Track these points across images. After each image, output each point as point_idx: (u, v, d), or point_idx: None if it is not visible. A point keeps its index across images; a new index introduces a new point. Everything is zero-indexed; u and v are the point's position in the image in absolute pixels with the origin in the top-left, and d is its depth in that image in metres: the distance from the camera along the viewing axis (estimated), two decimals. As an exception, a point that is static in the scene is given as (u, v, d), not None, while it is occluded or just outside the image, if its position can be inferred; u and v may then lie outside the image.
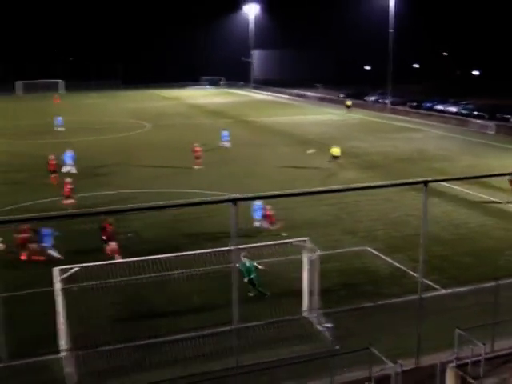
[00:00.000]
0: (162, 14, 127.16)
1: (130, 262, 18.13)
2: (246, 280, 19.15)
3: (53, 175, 35.64)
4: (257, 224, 26.13)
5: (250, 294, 19.41)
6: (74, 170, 38.03)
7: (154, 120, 67.49)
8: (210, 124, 64.14)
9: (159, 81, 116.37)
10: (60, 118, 60.02)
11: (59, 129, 58.60)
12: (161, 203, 29.12)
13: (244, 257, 19.12)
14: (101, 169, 40.05)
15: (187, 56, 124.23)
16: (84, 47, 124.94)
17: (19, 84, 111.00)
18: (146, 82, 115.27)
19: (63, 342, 16.07)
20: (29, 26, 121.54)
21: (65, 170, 37.58)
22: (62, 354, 15.91)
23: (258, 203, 25.89)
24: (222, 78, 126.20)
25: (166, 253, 19.26)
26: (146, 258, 17.93)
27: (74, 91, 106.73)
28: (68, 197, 30.47)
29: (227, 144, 47.53)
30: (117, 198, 31.96)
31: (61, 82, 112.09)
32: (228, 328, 14.85)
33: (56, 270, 16.46)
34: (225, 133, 48.20)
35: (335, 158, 40.66)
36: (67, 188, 30.63)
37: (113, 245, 23.12)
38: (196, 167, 40.02)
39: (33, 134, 57.84)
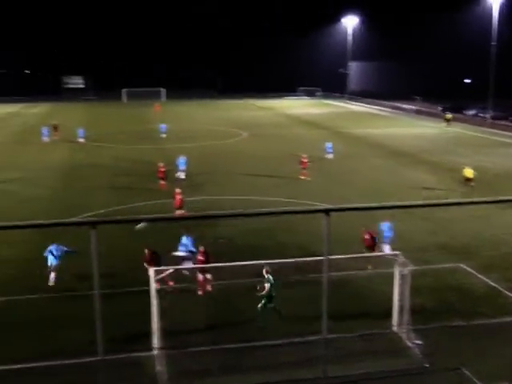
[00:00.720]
0: (260, 25, 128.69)
1: (222, 266, 18.41)
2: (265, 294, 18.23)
3: (161, 181, 36.31)
4: (383, 247, 23.58)
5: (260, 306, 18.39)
6: (182, 176, 38.88)
7: (250, 129, 68.31)
8: (305, 134, 64.19)
9: (256, 91, 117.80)
10: (164, 125, 61.83)
11: (162, 135, 60.36)
12: (253, 210, 29.39)
13: (266, 272, 18.37)
14: (200, 175, 40.78)
15: (284, 67, 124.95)
16: (185, 57, 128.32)
17: (125, 92, 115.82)
18: (243, 92, 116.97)
19: (156, 340, 16.50)
20: (137, 38, 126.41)
21: (178, 175, 38.64)
22: (155, 352, 16.34)
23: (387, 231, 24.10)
24: (319, 88, 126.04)
25: (257, 260, 19.45)
26: (237, 263, 18.14)
27: (175, 99, 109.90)
28: (179, 208, 29.30)
29: (330, 156, 47.28)
30: (215, 205, 32.37)
31: (162, 90, 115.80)
32: (317, 338, 14.74)
33: (152, 271, 16.95)
34: (328, 145, 47.92)
35: (468, 180, 36.87)
36: (178, 198, 29.81)
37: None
38: (303, 177, 39.83)
39: (136, 139, 60.02)
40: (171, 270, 17.62)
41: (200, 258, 20.67)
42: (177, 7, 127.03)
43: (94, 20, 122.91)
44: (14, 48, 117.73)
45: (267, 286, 18.02)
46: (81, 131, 57.73)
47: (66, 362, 16.14)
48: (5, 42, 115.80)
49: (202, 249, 20.79)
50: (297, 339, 16.71)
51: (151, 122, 70.51)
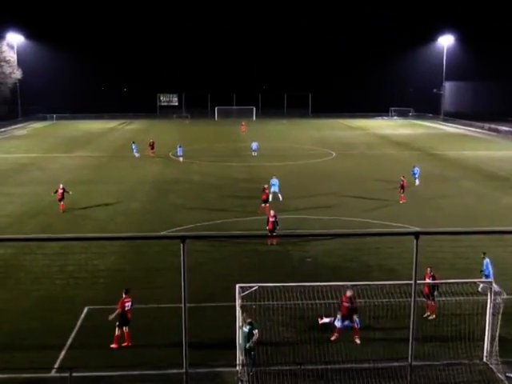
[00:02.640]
0: (351, 47, 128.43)
1: (305, 286, 18.32)
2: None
3: (263, 204, 34.82)
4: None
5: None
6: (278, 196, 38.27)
7: (340, 148, 67.97)
8: (396, 155, 63.14)
9: (347, 110, 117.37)
10: (255, 144, 62.13)
11: (253, 153, 60.87)
12: (342, 231, 29.19)
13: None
14: (289, 194, 40.83)
15: (376, 87, 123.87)
16: (278, 76, 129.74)
17: (217, 110, 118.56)
18: (334, 112, 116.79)
19: (239, 356, 16.61)
20: (231, 58, 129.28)
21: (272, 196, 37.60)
22: (238, 368, 16.44)
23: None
24: (411, 109, 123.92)
25: (341, 280, 19.23)
26: (321, 283, 18.00)
27: (266, 118, 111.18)
28: (271, 230, 28.32)
29: (417, 181, 44.57)
30: (303, 224, 32.30)
31: (254, 108, 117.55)
32: (402, 364, 14.38)
33: (238, 287, 17.11)
34: (415, 169, 44.92)
35: None
36: (270, 221, 28.72)
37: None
38: (402, 201, 38.50)
39: (226, 156, 61.08)
40: (256, 287, 17.71)
41: None
42: (271, 28, 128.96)
43: (190, 40, 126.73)
44: (114, 67, 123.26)
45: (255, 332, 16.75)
46: (179, 149, 58.76)
47: (153, 372, 16.50)
48: (106, 61, 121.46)
49: None
50: (381, 364, 16.34)
51: (242, 140, 71.59)
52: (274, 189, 38.41)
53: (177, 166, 54.89)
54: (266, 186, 36.52)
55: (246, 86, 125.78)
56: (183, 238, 14.72)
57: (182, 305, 14.76)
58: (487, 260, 22.43)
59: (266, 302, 20.00)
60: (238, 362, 16.44)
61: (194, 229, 31.11)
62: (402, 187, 38.74)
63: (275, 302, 19.89)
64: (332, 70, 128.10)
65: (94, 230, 31.10)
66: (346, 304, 18.35)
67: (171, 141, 74.01)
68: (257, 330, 16.61)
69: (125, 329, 18.43)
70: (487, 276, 21.47)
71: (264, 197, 35.15)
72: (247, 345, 16.47)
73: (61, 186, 36.16)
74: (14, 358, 17.38)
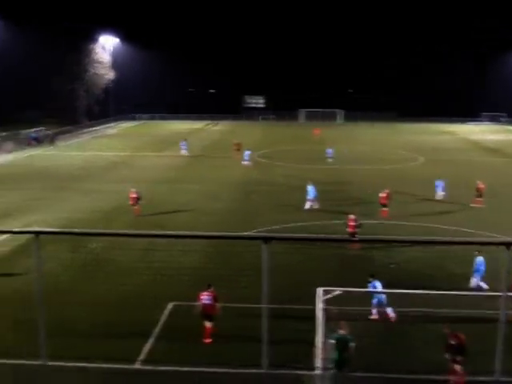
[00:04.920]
0: (443, 50, 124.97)
1: (386, 292, 18.05)
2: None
3: (382, 209, 34.78)
4: None
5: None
6: (308, 206, 37.26)
7: (428, 153, 66.31)
8: (486, 161, 61.01)
9: (436, 115, 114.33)
10: (330, 150, 60.15)
11: (329, 160, 58.97)
12: (428, 238, 28.51)
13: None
14: (371, 198, 40.38)
15: (467, 91, 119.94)
16: (364, 79, 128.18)
17: (301, 112, 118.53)
18: (423, 116, 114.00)
19: (318, 360, 16.55)
20: (316, 60, 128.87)
21: (310, 204, 37.23)
22: (317, 371, 16.38)
23: None
24: (504, 114, 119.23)
25: (424, 289, 18.80)
26: (404, 291, 17.67)
27: (352, 121, 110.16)
28: (352, 234, 28.36)
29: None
30: (387, 229, 31.80)
31: (339, 111, 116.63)
32: (488, 379, 13.90)
33: (320, 290, 17.06)
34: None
35: None
36: (350, 224, 28.86)
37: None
38: (475, 205, 37.88)
39: (309, 159, 60.90)
40: (339, 292, 17.62)
41: None
42: (359, 30, 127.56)
43: (276, 41, 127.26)
44: (202, 69, 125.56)
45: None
46: (247, 153, 59.09)
47: (232, 370, 16.71)
48: (194, 62, 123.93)
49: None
50: (467, 378, 15.83)
51: (325, 142, 71.21)
52: (311, 195, 37.55)
53: (261, 168, 55.33)
54: (386, 191, 35.57)
55: (331, 89, 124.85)
56: (266, 239, 14.87)
57: (263, 305, 14.90)
58: (480, 258, 21.70)
59: (350, 308, 19.82)
60: (317, 365, 16.37)
61: (277, 230, 31.27)
62: (479, 191, 37.94)
63: (359, 308, 19.70)
64: (422, 73, 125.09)
65: (178, 228, 31.83)
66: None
67: (256, 142, 74.69)
68: (353, 344, 15.91)
69: (206, 323, 18.73)
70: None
71: (382, 201, 34.86)
72: (338, 356, 15.84)
73: (133, 190, 36.22)
74: (101, 348, 18.05)
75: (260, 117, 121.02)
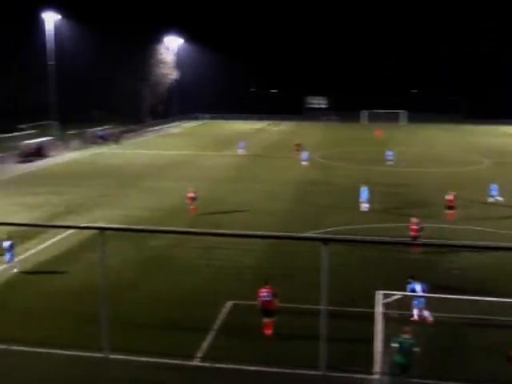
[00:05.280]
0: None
1: (452, 298, 17.67)
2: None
3: (449, 211, 34.06)
4: None
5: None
6: (365, 208, 36.85)
7: (495, 156, 64.38)
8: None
9: (505, 117, 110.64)
10: (390, 153, 58.92)
11: (389, 162, 57.87)
12: (490, 244, 27.75)
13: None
14: (431, 201, 39.57)
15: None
16: (428, 81, 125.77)
17: (364, 113, 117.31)
18: (492, 118, 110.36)
19: (378, 364, 16.35)
20: (380, 61, 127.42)
21: (364, 207, 36.86)
22: (376, 376, 16.19)
23: None
24: None
25: (488, 296, 18.30)
26: (468, 297, 17.26)
27: (416, 122, 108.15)
28: (414, 238, 28.06)
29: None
30: (449, 233, 31.19)
31: (402, 112, 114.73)
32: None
33: (379, 294, 16.86)
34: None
35: None
36: (413, 228, 28.37)
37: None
38: None
39: (370, 160, 60.11)
40: (399, 296, 17.36)
41: None
42: (423, 29, 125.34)
43: (339, 42, 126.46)
44: (264, 69, 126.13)
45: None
46: (304, 154, 58.82)
47: (289, 371, 16.71)
48: (256, 62, 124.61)
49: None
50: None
51: (387, 144, 70.21)
52: (364, 197, 37.11)
53: (322, 169, 55.07)
54: (452, 193, 34.74)
55: (395, 90, 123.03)
56: (325, 241, 14.81)
57: (322, 307, 14.84)
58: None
59: (409, 312, 19.52)
60: (376, 370, 16.18)
61: (336, 232, 31.06)
62: None
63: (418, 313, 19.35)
64: (490, 72, 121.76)
65: (236, 227, 32.00)
66: None
67: (317, 143, 74.43)
68: (417, 349, 15.79)
69: (265, 319, 18.92)
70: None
71: (449, 203, 34.02)
72: (402, 360, 15.82)
73: (190, 190, 36.73)
74: (160, 344, 18.38)
75: (324, 117, 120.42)
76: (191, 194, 36.33)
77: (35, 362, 17.19)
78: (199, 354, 17.86)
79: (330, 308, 15.97)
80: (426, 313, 19.71)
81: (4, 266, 25.46)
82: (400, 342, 15.84)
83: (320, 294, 15.12)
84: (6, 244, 25.10)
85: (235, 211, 37.05)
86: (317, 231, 31.13)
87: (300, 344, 18.33)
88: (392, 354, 15.93)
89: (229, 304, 21.54)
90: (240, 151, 65.37)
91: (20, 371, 16.60)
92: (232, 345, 18.52)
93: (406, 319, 18.72)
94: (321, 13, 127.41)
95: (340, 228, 32.07)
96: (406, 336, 15.92)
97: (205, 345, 18.44)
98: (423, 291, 19.92)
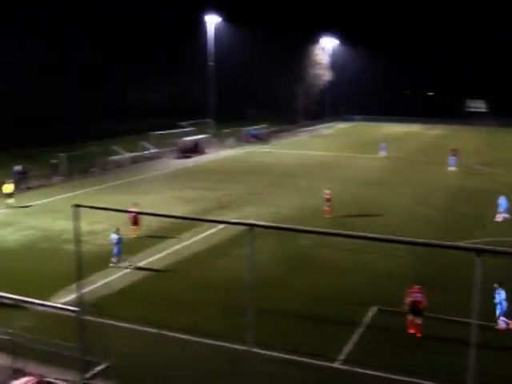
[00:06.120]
0: None
1: None
2: None
3: None
4: None
5: None
6: (500, 218, 34.44)
7: None
8: None
9: None
10: None
11: None
12: None
13: None
14: None
15: None
16: None
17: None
18: None
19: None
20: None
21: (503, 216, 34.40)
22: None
23: None
24: None
25: None
26: None
27: None
28: None
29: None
30: None
31: None
32: None
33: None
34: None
35: None
36: None
37: None
38: None
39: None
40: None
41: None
42: None
43: (501, 44, 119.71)
44: (421, 70, 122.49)
45: None
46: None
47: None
48: (412, 63, 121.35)
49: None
50: None
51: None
52: (503, 207, 34.67)
53: (479, 176, 52.30)
54: None
55: None
56: (479, 251, 14.08)
57: (473, 321, 14.13)
58: None
59: None
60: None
61: (492, 243, 29.41)
62: None
63: None
64: None
65: (382, 231, 31.08)
66: None
67: (476, 149, 70.99)
68: None
69: (412, 317, 18.99)
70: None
71: None
72: None
73: (327, 191, 36.41)
74: (303, 342, 18.53)
75: (480, 122, 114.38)
76: (327, 196, 36.27)
77: (182, 348, 18.08)
78: (341, 357, 17.77)
79: (483, 323, 15.18)
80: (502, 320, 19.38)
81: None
82: None
83: (471, 304, 14.43)
84: (115, 237, 26.28)
85: (380, 215, 36.43)
86: (471, 241, 29.68)
87: (446, 356, 17.61)
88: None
89: (374, 309, 21.22)
90: (382, 153, 64.44)
91: (167, 356, 17.53)
92: (375, 351, 18.21)
93: None
94: (485, 12, 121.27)
95: (494, 239, 30.31)
96: None
97: (346, 348, 18.30)
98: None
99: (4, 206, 38.24)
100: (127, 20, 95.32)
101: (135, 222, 30.72)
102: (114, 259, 26.34)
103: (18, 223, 34.38)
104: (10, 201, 38.59)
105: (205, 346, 18.13)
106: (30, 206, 39.00)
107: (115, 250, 26.41)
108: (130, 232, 30.31)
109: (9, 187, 38.94)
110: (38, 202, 40.14)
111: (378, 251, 27.10)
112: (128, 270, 25.83)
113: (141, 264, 26.62)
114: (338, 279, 24.69)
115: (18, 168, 45.15)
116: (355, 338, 19.07)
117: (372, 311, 21.05)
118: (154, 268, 26.23)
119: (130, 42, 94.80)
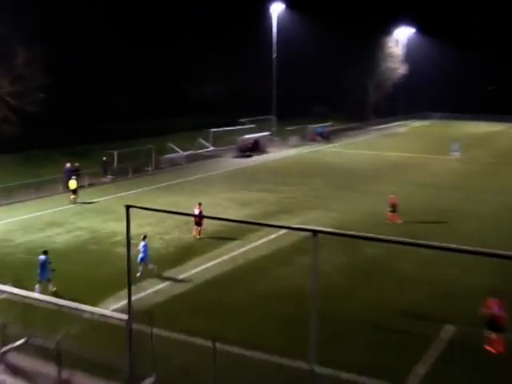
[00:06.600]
0: None
1: None
2: None
3: None
4: None
5: None
6: None
7: None
8: None
9: None
10: None
11: None
12: None
13: None
14: None
15: None
16: None
17: None
18: None
19: None
20: None
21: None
22: None
23: None
24: None
25: None
26: None
27: None
28: None
29: None
30: None
31: None
32: None
33: None
34: None
35: None
36: None
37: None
38: None
39: None
40: None
41: None
42: None
43: None
44: (506, 64, 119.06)
45: None
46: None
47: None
48: (499, 56, 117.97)
49: None
50: None
51: None
52: None
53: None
54: None
55: None
56: None
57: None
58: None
59: None
60: None
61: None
62: None
63: None
64: None
65: (459, 241, 30.07)
66: None
67: None
68: None
69: (491, 333, 18.76)
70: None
71: None
72: None
73: (392, 196, 35.86)
74: (369, 361, 18.18)
75: None
76: (393, 200, 35.64)
77: (236, 362, 17.69)
78: (410, 379, 17.31)
79: None
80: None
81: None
82: None
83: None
84: (141, 245, 26.03)
85: (460, 222, 35.57)
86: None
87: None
88: None
89: (448, 327, 20.61)
90: (455, 154, 62.79)
91: (223, 370, 17.30)
92: (449, 375, 17.67)
93: None
94: None
95: None
96: None
97: (417, 370, 17.82)
98: None
99: (66, 202, 41.00)
100: (188, 18, 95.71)
101: (198, 223, 31.85)
102: (150, 266, 26.35)
103: (68, 223, 35.33)
104: (73, 197, 41.44)
105: (262, 362, 17.90)
106: (93, 202, 41.39)
107: (140, 258, 25.96)
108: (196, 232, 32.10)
109: (74, 183, 41.68)
110: (89, 201, 41.30)
111: (452, 263, 26.42)
112: (181, 276, 26.02)
113: (194, 271, 26.79)
114: (409, 293, 24.12)
115: (69, 166, 46.33)
116: (425, 358, 18.55)
117: (446, 330, 20.45)
118: (209, 275, 26.34)
119: (187, 33, 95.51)
